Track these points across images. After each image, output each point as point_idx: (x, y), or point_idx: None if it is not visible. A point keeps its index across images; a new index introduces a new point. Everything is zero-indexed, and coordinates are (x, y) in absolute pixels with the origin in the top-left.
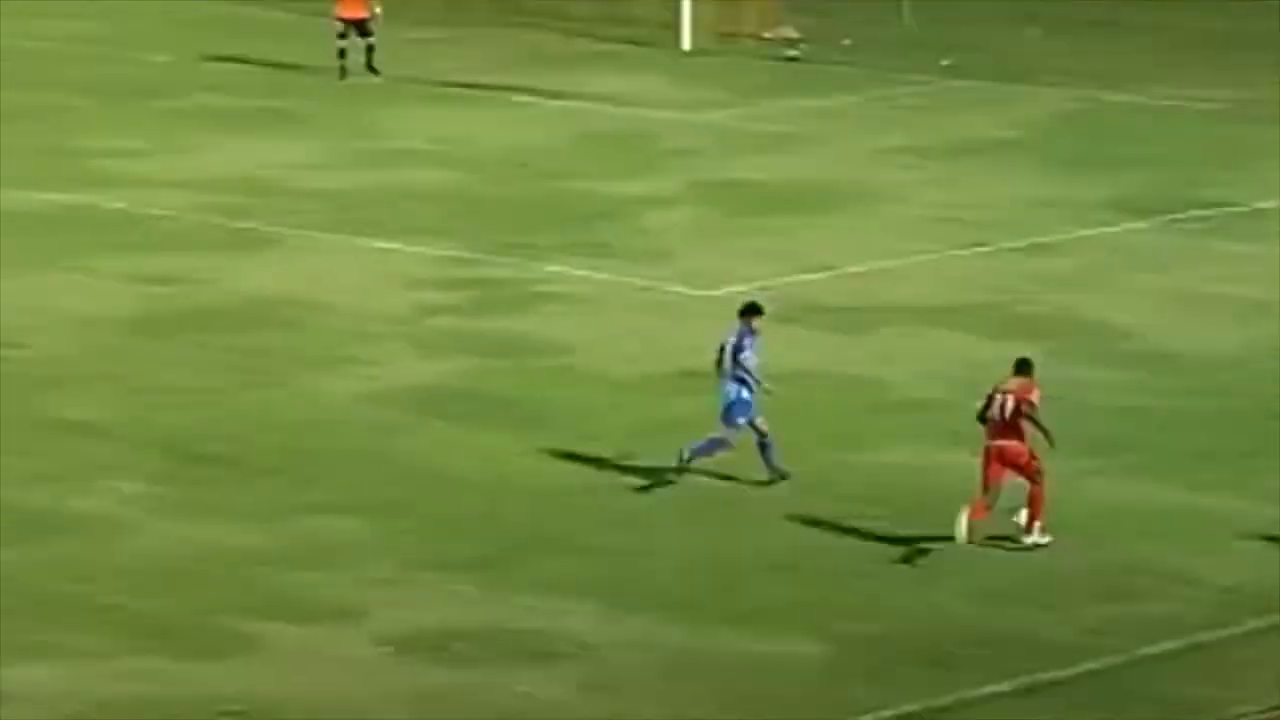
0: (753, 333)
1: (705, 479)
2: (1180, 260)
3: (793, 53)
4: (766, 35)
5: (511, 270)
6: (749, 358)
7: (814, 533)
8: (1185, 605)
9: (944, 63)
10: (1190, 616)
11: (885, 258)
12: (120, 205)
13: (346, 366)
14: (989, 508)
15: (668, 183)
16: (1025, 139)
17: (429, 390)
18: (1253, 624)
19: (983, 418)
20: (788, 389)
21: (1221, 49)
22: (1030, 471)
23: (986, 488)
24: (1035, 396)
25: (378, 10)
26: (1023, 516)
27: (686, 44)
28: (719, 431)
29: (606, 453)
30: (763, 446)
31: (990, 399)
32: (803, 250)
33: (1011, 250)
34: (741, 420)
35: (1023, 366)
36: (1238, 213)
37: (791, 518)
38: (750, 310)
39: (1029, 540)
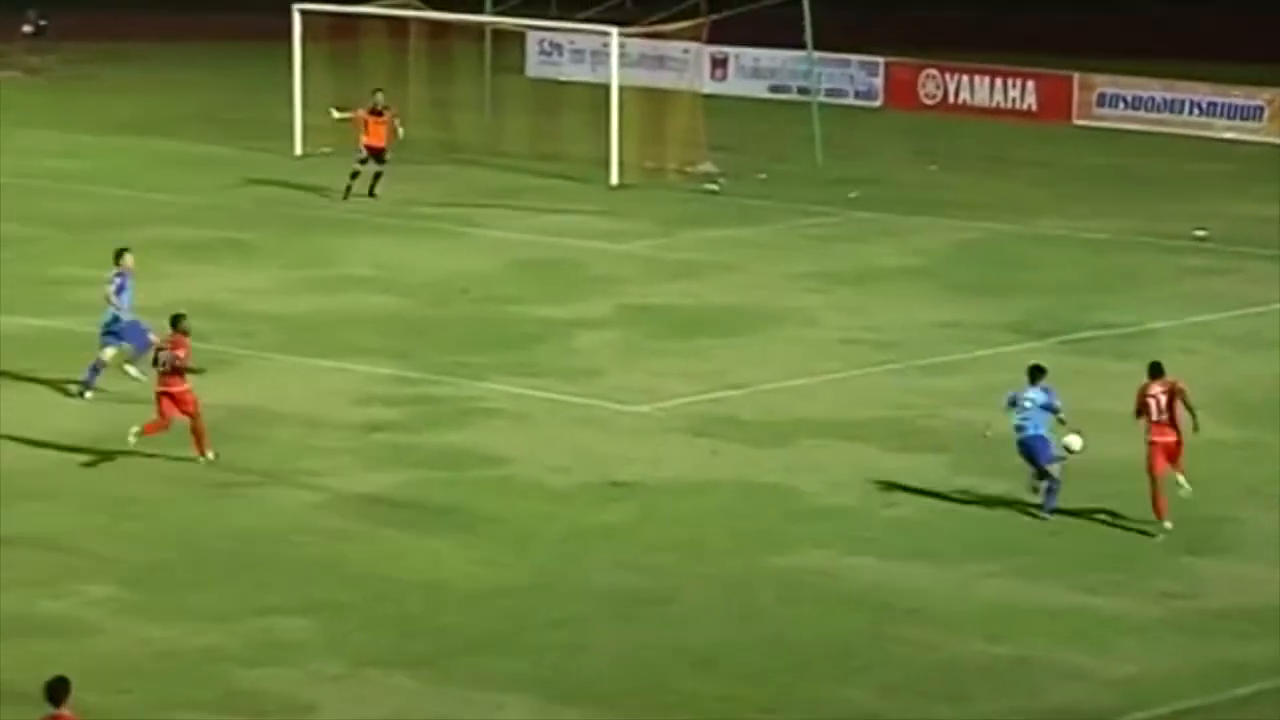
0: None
1: (636, 580)
2: (1071, 378)
3: (712, 186)
4: (688, 170)
5: (452, 388)
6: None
7: (733, 630)
8: (1079, 698)
9: (851, 195)
10: (1084, 708)
11: (797, 376)
12: (91, 329)
13: (298, 478)
14: (1159, 496)
15: (596, 307)
16: (926, 266)
17: (375, 500)
18: (1141, 715)
19: (1138, 414)
20: (707, 498)
21: (1104, 183)
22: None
23: (1154, 478)
24: (1182, 383)
25: (400, 133)
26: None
27: (614, 179)
28: (1055, 472)
29: (541, 557)
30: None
31: (1144, 403)
32: (721, 369)
33: (915, 369)
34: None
35: (1157, 369)
36: (1125, 334)
37: (713, 616)
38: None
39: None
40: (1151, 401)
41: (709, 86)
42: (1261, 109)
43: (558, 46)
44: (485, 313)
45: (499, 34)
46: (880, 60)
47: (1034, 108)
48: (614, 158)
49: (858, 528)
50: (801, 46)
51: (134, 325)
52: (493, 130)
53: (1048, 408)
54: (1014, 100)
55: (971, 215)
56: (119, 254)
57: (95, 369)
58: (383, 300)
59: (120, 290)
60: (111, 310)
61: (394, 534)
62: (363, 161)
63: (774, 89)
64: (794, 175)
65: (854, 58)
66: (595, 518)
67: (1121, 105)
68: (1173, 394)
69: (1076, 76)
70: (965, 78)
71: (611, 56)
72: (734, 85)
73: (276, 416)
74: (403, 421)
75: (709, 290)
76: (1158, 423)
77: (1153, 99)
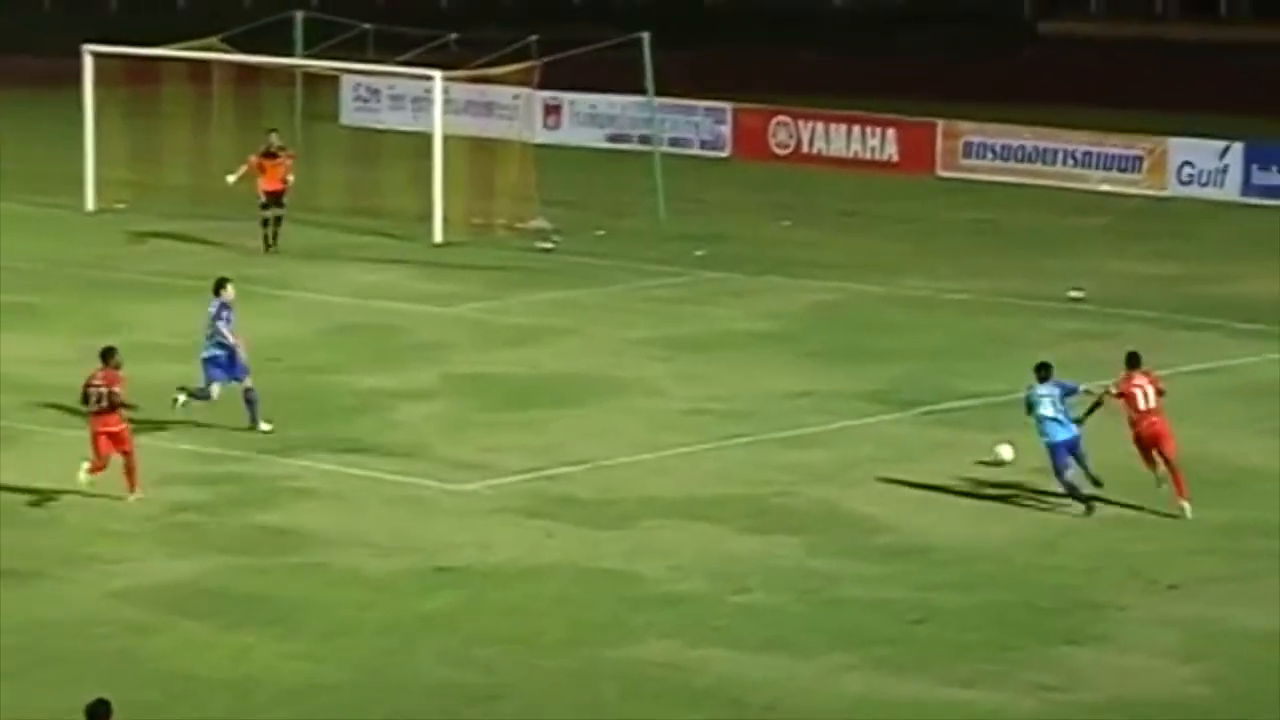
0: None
1: (465, 675)
2: (938, 452)
3: (546, 244)
4: (519, 226)
5: (262, 466)
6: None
7: None
8: None
9: (697, 254)
10: None
11: (640, 451)
12: None
13: (93, 565)
14: (1160, 483)
15: (421, 376)
16: (779, 330)
17: (177, 589)
18: None
19: (1114, 398)
20: (542, 585)
21: (971, 239)
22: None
23: (1163, 459)
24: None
25: (290, 179)
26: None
27: (438, 236)
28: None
29: (361, 651)
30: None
31: (1129, 395)
32: (557, 443)
33: (768, 443)
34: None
35: (1135, 359)
36: (995, 403)
37: (550, 715)
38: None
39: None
40: (1138, 391)
41: (541, 135)
42: (1140, 159)
43: (375, 92)
44: (299, 383)
45: (311, 78)
46: (728, 106)
47: (895, 158)
48: (438, 213)
49: (706, 616)
50: (642, 91)
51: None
52: (305, 183)
53: (1070, 393)
54: (873, 150)
55: (828, 275)
56: (220, 284)
57: (202, 395)
58: (185, 370)
59: (218, 319)
60: (216, 340)
61: (197, 626)
62: (264, 207)
63: (612, 138)
64: (635, 232)
65: (699, 104)
66: (420, 607)
67: (989, 155)
68: (1157, 387)
69: (940, 124)
70: (820, 125)
71: (435, 103)
72: (569, 134)
73: (68, 497)
74: (207, 502)
75: (543, 357)
76: (1146, 411)
77: (1023, 148)
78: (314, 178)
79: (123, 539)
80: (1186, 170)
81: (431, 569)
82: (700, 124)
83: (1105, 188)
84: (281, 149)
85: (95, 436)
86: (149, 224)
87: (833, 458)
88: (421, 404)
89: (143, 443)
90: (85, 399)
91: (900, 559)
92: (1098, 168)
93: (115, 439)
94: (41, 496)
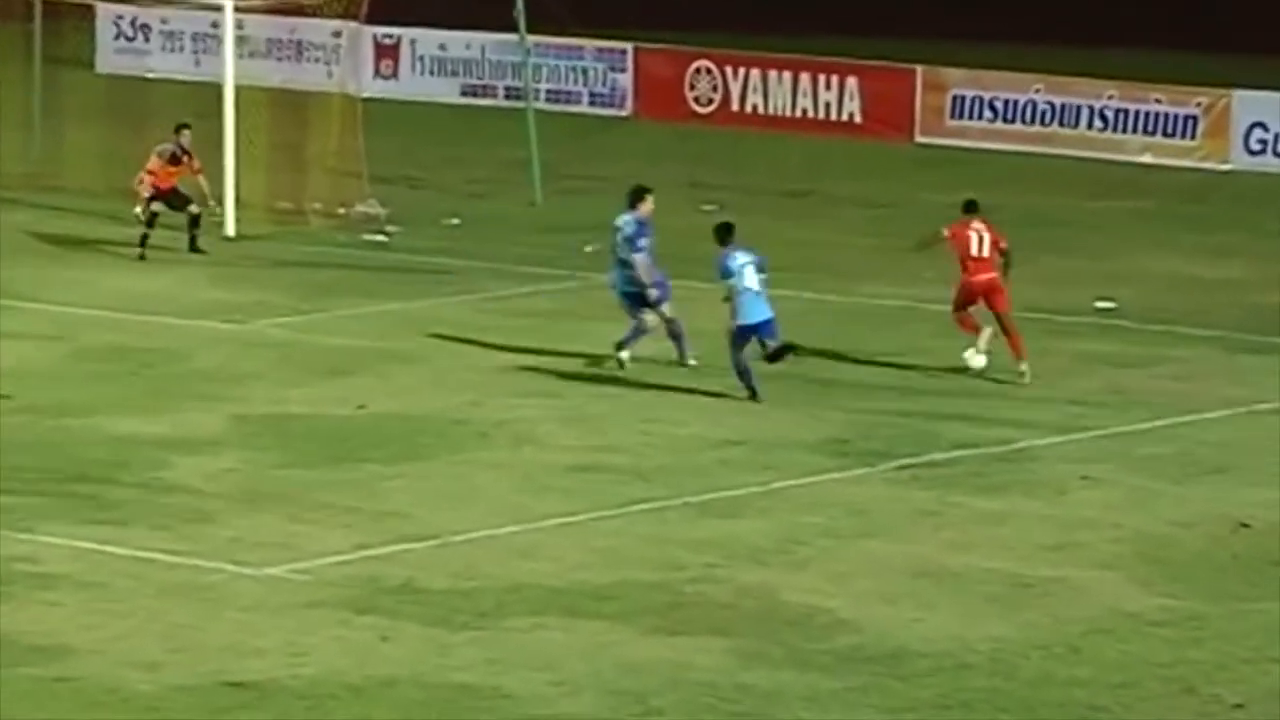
0: None
1: None
2: (911, 521)
3: (377, 236)
4: (341, 212)
5: None
6: None
7: None
8: None
9: (587, 249)
10: None
11: (507, 521)
12: None
13: None
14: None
15: (204, 418)
16: (699, 355)
17: None
18: None
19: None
20: (375, 706)
21: None
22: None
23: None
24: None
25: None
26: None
27: (230, 227)
28: None
29: None
30: None
31: (963, 237)
32: (392, 511)
33: (682, 509)
34: None
35: (972, 205)
36: (992, 455)
37: None
38: None
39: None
40: (973, 235)
41: (372, 87)
42: (1194, 120)
43: (144, 28)
44: (37, 429)
45: (55, 9)
46: (628, 48)
47: (857, 117)
48: (229, 194)
49: None
50: (510, 29)
51: (661, 283)
52: (45, 151)
53: (763, 269)
54: (827, 106)
55: (769, 280)
56: (638, 195)
57: (638, 331)
58: None
59: (638, 238)
60: (620, 260)
61: None
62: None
63: (469, 90)
64: (501, 219)
65: (589, 44)
66: None
67: (985, 114)
68: (995, 239)
69: (920, 71)
70: (755, 73)
71: (225, 41)
72: (409, 85)
73: None
74: None
75: (374, 393)
76: (978, 259)
77: (1032, 105)
78: (56, 146)
79: None
80: (1257, 135)
81: (221, 684)
82: (591, 72)
83: (1146, 159)
84: (187, 154)
85: None
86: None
87: (771, 529)
88: (205, 457)
89: None
90: None
91: (864, 669)
92: (1136, 131)
93: None
94: None
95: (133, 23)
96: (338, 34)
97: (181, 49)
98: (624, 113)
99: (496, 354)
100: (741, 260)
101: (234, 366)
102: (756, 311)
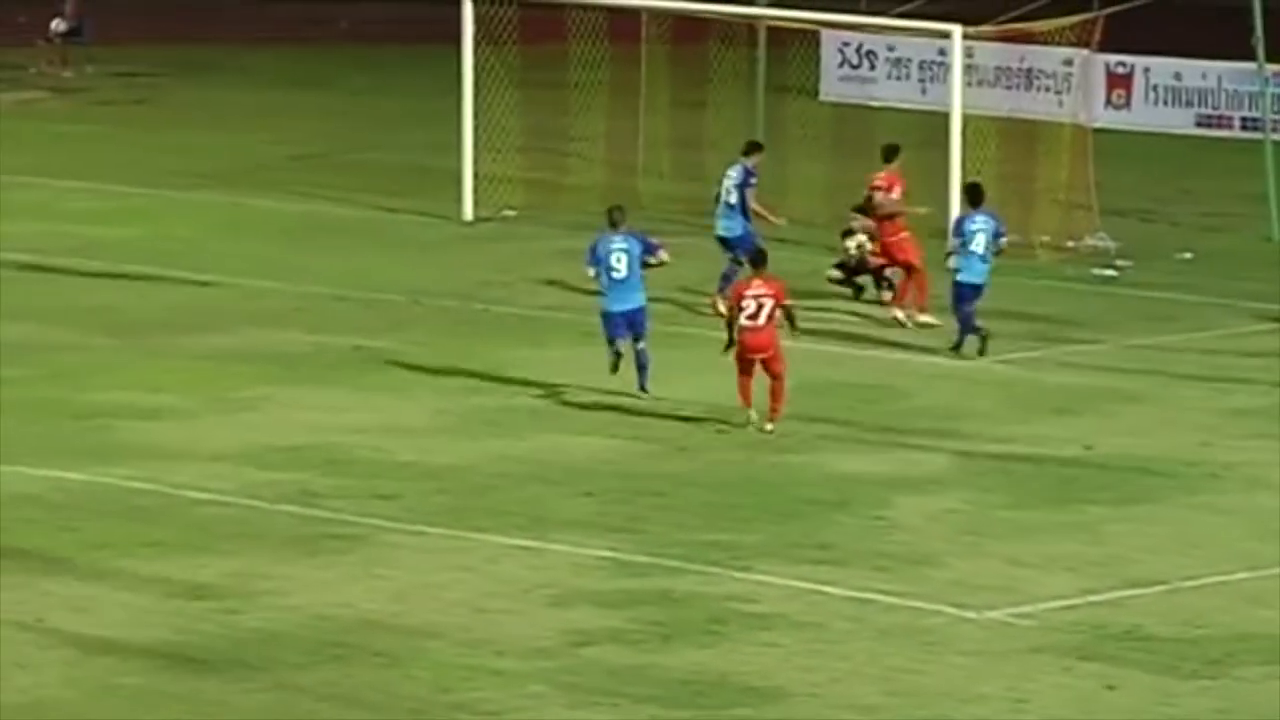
0: None
1: None
2: None
3: (1107, 271)
4: (1069, 245)
5: (701, 580)
6: None
7: None
8: None
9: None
10: None
11: (1238, 567)
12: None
13: (463, 718)
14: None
15: (926, 458)
16: None
17: None
18: None
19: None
20: None
21: None
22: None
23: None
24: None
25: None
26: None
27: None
28: None
29: None
30: None
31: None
32: (1118, 555)
33: None
34: None
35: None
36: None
37: None
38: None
39: None
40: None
41: (1103, 116)
42: None
43: (870, 55)
44: (753, 465)
45: (780, 34)
46: None
47: None
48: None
49: None
50: (1248, 57)
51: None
52: (768, 180)
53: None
54: None
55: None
56: (752, 148)
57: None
58: (604, 443)
59: (744, 186)
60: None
61: None
62: None
63: (1204, 121)
64: (1236, 254)
65: None
66: None
67: None
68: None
69: None
70: None
71: (953, 70)
72: (1142, 115)
73: (433, 618)
74: (623, 631)
75: (1101, 431)
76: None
77: None
78: (782, 173)
79: (507, 680)
80: None
81: None
82: None
83: None
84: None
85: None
86: (550, 238)
87: None
88: (928, 497)
89: (529, 547)
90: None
91: None
92: None
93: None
94: (396, 618)
95: (858, 50)
96: (1069, 62)
97: (908, 76)
98: None
99: (1228, 393)
100: (978, 224)
101: (957, 404)
102: (974, 273)
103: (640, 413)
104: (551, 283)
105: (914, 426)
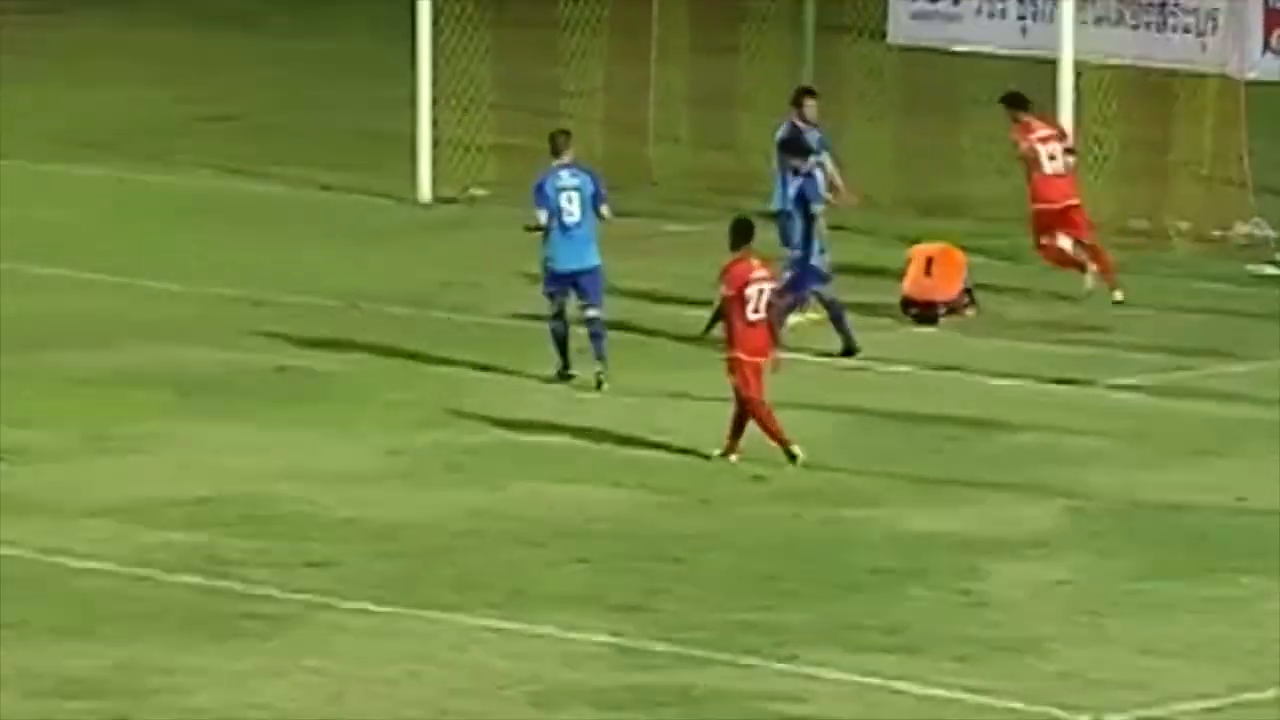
0: None
1: None
2: None
3: (1266, 268)
4: (1218, 234)
5: (730, 674)
6: None
7: None
8: None
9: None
10: None
11: None
12: None
13: None
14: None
15: (1027, 513)
16: None
17: None
18: None
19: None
20: None
21: None
22: None
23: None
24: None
25: None
26: None
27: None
28: None
29: None
30: None
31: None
32: (1275, 638)
33: None
34: None
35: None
36: None
37: None
38: None
39: None
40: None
41: (1261, 66)
42: None
43: None
44: (797, 523)
45: None
46: None
47: None
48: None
49: None
50: None
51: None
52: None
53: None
54: None
55: None
56: (802, 94)
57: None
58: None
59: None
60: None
61: None
62: None
63: None
64: None
65: None
66: None
67: None
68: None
69: None
70: None
71: (1063, 6)
72: None
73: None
74: None
75: (1255, 478)
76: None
77: None
78: (837, 140)
79: None
80: None
81: None
82: None
83: None
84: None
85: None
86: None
87: None
88: (1030, 564)
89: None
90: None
91: None
92: None
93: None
94: None
95: None
96: None
97: (1004, 14)
98: None
99: None
100: None
101: (1064, 442)
102: None
103: (649, 451)
104: (530, 282)
105: (1007, 473)
